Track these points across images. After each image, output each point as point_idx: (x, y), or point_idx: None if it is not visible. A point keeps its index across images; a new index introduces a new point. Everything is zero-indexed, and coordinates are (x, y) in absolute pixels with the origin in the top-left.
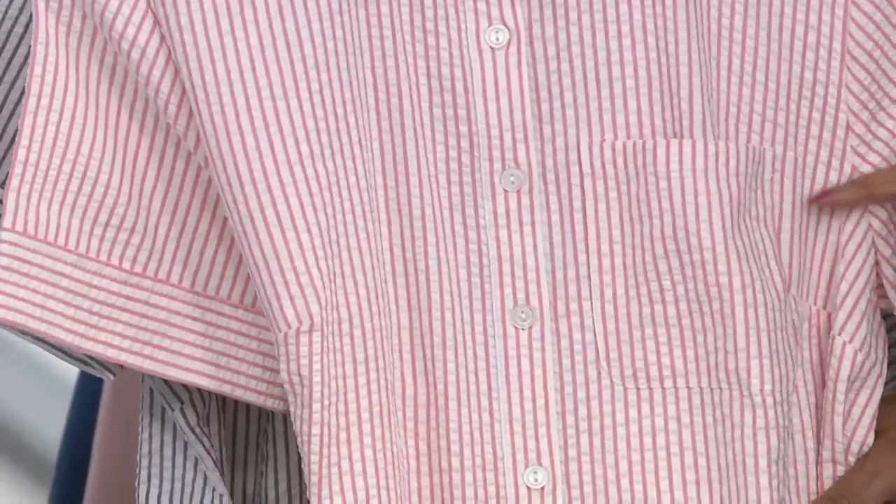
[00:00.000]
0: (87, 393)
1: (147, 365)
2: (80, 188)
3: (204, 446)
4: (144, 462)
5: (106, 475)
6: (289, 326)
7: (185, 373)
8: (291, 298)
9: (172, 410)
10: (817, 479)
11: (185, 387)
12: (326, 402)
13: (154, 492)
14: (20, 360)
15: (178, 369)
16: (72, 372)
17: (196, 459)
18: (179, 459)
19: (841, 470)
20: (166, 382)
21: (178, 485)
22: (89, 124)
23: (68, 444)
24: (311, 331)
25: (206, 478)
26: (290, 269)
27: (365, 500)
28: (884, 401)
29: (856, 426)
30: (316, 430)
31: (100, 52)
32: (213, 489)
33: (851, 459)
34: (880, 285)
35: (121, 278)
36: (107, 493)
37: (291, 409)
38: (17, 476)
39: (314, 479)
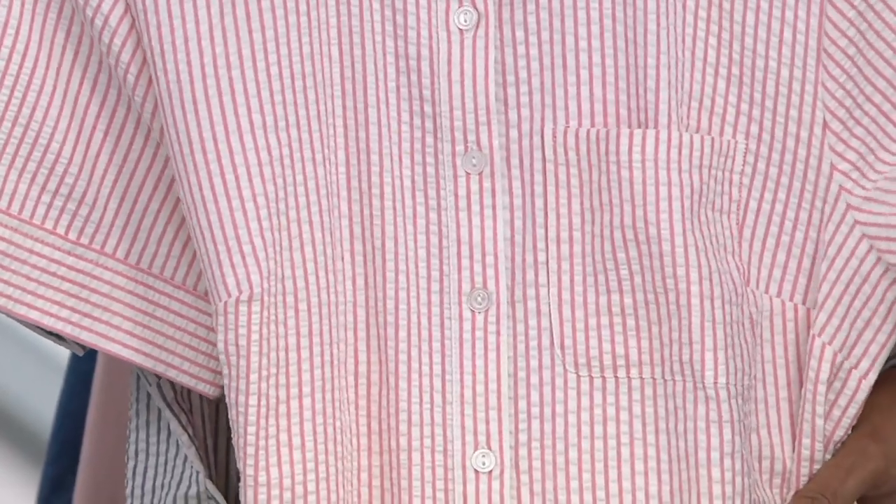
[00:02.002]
0: (80, 372)
1: (85, 336)
2: (30, 154)
3: (180, 422)
4: (132, 437)
5: (98, 454)
6: (228, 295)
7: (121, 348)
8: (233, 267)
9: (150, 385)
10: (795, 476)
11: None
12: (265, 374)
13: (140, 467)
14: (12, 338)
15: (116, 344)
16: (64, 351)
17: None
18: (164, 435)
19: (818, 469)
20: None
21: (161, 459)
22: (46, 91)
23: (61, 423)
24: (250, 300)
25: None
26: (234, 237)
27: (302, 474)
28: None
29: (834, 427)
30: (253, 400)
31: (67, 21)
32: (192, 465)
33: (829, 458)
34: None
35: (65, 247)
36: (99, 472)
37: (226, 381)
38: (9, 455)
39: (250, 450)
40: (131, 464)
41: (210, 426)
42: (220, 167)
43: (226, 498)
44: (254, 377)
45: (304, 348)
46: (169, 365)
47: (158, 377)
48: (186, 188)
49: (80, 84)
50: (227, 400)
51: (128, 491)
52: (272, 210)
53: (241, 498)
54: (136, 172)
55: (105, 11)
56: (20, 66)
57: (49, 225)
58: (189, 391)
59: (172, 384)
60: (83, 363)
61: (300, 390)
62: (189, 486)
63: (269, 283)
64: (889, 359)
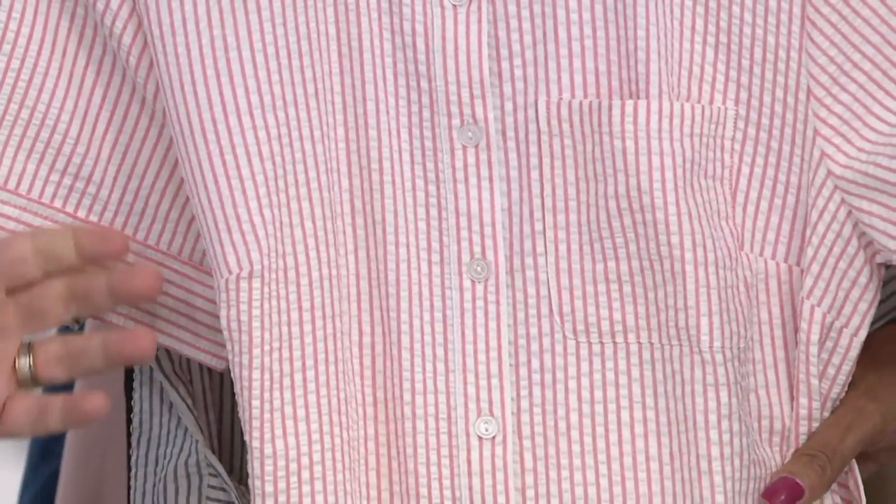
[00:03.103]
0: None
1: (110, 317)
2: (37, 135)
3: (178, 393)
4: (136, 408)
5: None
6: (230, 272)
7: (127, 319)
8: (233, 245)
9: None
10: (794, 435)
11: None
12: (268, 348)
13: (144, 437)
14: None
15: (123, 316)
16: None
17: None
18: (166, 406)
19: (817, 427)
20: None
21: (164, 430)
22: (52, 74)
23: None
24: (250, 277)
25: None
26: (234, 216)
27: (307, 445)
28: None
29: (831, 385)
30: (257, 374)
31: (71, 5)
32: (191, 435)
33: (827, 415)
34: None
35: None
36: (87, 439)
37: (229, 356)
38: None
39: (255, 423)
40: (135, 434)
41: (211, 396)
42: (220, 147)
43: (232, 467)
44: (256, 352)
45: (306, 322)
46: (174, 337)
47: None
48: (188, 168)
49: (86, 67)
50: (231, 374)
51: (133, 460)
52: (272, 188)
53: (249, 469)
54: (142, 152)
55: None
56: (26, 50)
57: (58, 204)
58: (188, 362)
59: (170, 355)
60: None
61: (303, 363)
62: (189, 455)
63: (270, 259)
64: (880, 316)
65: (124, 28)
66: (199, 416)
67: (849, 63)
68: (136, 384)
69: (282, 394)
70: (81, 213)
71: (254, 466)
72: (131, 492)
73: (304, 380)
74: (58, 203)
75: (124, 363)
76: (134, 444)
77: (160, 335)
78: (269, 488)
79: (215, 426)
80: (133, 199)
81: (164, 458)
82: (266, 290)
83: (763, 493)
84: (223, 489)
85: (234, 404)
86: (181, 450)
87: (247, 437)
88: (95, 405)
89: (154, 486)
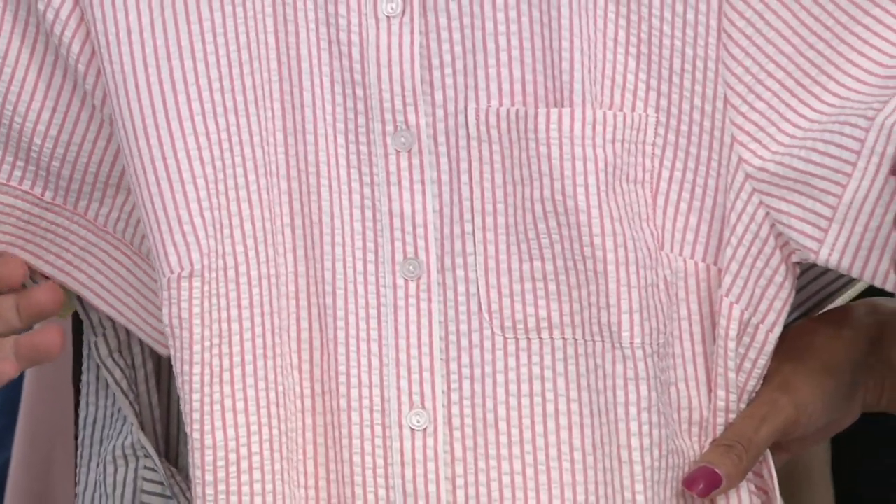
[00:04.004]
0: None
1: (68, 282)
2: (8, 133)
3: (114, 376)
4: (84, 390)
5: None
6: (171, 272)
7: (94, 296)
8: (175, 245)
9: (96, 336)
10: (712, 425)
11: (108, 318)
12: (208, 344)
13: (90, 418)
14: None
15: (90, 292)
16: None
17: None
18: (109, 389)
19: (734, 418)
20: (89, 315)
21: (108, 412)
22: (16, 79)
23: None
24: (191, 276)
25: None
26: (175, 217)
27: (246, 436)
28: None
29: (747, 378)
30: (197, 369)
31: (22, 23)
32: (126, 417)
33: (743, 407)
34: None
35: (42, 205)
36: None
37: (171, 351)
38: None
39: (196, 415)
40: (82, 414)
41: (154, 382)
42: (162, 152)
43: (178, 452)
44: (197, 347)
45: (245, 319)
46: (129, 320)
47: (104, 330)
48: (132, 172)
49: (37, 76)
50: (173, 369)
51: (79, 440)
52: (212, 191)
53: (189, 459)
54: (108, 148)
55: (56, 6)
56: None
57: (26, 186)
58: (130, 348)
59: (107, 341)
60: None
61: (242, 358)
62: (126, 437)
63: (210, 259)
64: (795, 312)
65: (73, 37)
66: (142, 401)
67: (763, 73)
68: (84, 367)
69: (221, 387)
70: (48, 196)
71: (194, 457)
72: (78, 470)
73: (243, 374)
74: (26, 185)
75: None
76: (81, 425)
77: (118, 315)
78: (208, 477)
79: (158, 410)
80: (91, 190)
81: (107, 440)
82: (206, 288)
83: (683, 482)
84: (157, 470)
85: (176, 389)
86: (120, 432)
87: (187, 429)
88: (49, 340)
89: (97, 465)
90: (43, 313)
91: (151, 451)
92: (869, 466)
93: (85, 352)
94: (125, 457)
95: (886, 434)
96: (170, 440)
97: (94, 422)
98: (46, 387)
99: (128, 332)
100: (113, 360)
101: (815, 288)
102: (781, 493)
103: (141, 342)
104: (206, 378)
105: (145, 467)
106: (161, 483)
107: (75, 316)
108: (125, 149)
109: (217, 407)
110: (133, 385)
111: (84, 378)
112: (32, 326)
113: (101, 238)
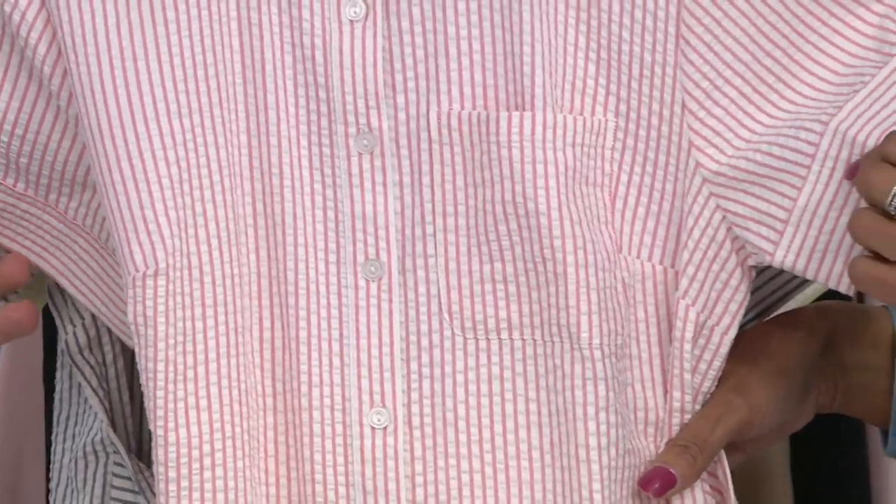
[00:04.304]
0: None
1: (46, 267)
2: None
3: (84, 374)
4: (58, 387)
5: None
6: (136, 270)
7: (68, 284)
8: (140, 244)
9: (66, 334)
10: (667, 426)
11: (80, 313)
12: (172, 342)
13: (63, 415)
14: None
15: (65, 279)
16: None
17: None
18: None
19: (689, 419)
20: (60, 312)
21: (80, 408)
22: None
23: None
24: (156, 275)
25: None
26: (140, 217)
27: (209, 433)
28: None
29: (702, 380)
30: (161, 367)
31: None
32: (97, 414)
33: (698, 408)
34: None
35: (15, 195)
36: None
37: (136, 349)
38: None
39: (160, 412)
40: (56, 411)
41: (125, 378)
42: (127, 153)
43: (143, 446)
44: (161, 345)
45: (209, 317)
46: (99, 311)
47: (75, 326)
48: (97, 171)
49: (2, 77)
50: (138, 366)
51: (53, 436)
52: (176, 191)
53: (153, 456)
54: (75, 145)
55: (23, 7)
56: None
57: None
58: (101, 345)
59: (87, 334)
60: None
61: (206, 356)
62: (96, 433)
63: (175, 258)
64: (751, 312)
65: (39, 38)
66: (112, 397)
67: (721, 79)
68: (58, 364)
69: (185, 385)
70: (20, 188)
71: (158, 453)
72: (52, 466)
73: (207, 372)
74: None
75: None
76: (55, 421)
77: (88, 303)
78: (171, 474)
79: (129, 406)
80: (60, 185)
81: (79, 436)
82: (171, 287)
83: (638, 482)
84: (126, 466)
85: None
86: (90, 428)
87: (151, 426)
88: (22, 313)
89: (69, 461)
90: (10, 284)
91: (120, 447)
92: (828, 466)
93: (59, 349)
94: (95, 453)
95: (844, 434)
96: (142, 436)
97: (68, 418)
98: (17, 384)
99: (98, 328)
100: (83, 356)
101: (770, 289)
102: (742, 492)
103: (112, 339)
104: (171, 376)
105: (115, 463)
106: (130, 479)
107: (47, 314)
108: (91, 149)
109: (181, 404)
110: (103, 381)
111: (58, 375)
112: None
113: (72, 229)
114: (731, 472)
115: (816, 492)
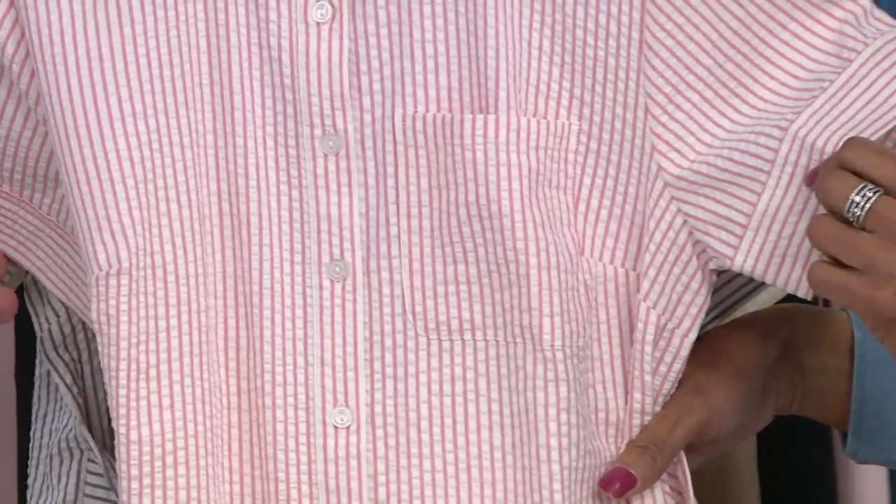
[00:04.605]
0: None
1: (23, 262)
2: None
3: (58, 371)
4: (37, 384)
5: None
6: (100, 269)
7: (45, 279)
8: (104, 244)
9: (42, 331)
10: (628, 427)
11: (55, 311)
12: (135, 341)
13: (41, 411)
14: None
15: (42, 274)
16: None
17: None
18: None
19: (649, 420)
20: (36, 310)
21: (58, 405)
22: None
23: None
24: (119, 274)
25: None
26: (104, 216)
27: (171, 432)
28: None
29: (662, 381)
30: (123, 365)
31: None
32: (70, 411)
33: (658, 409)
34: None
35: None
36: None
37: (99, 347)
38: None
39: (122, 411)
40: (35, 408)
41: (100, 376)
42: (93, 152)
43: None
44: (124, 344)
45: (172, 317)
46: (76, 306)
47: (49, 325)
48: (63, 171)
49: None
50: (101, 365)
51: (31, 433)
52: (141, 191)
53: (116, 454)
54: (45, 145)
55: None
56: None
57: None
58: (76, 343)
59: (62, 332)
60: None
61: (169, 355)
62: (71, 430)
63: (139, 257)
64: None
65: (7, 37)
66: (87, 395)
67: (683, 84)
68: (37, 361)
69: (147, 384)
70: (6, 188)
71: (120, 451)
72: (31, 462)
73: (170, 371)
74: None
75: None
76: (33, 418)
77: (63, 296)
78: (134, 472)
79: (105, 404)
80: (33, 181)
81: (55, 432)
82: (134, 286)
83: (599, 482)
84: (98, 463)
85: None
86: (66, 425)
87: (114, 424)
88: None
89: (45, 457)
90: None
91: (93, 444)
92: (794, 465)
93: (38, 345)
94: (70, 449)
95: (811, 434)
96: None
97: (45, 415)
98: None
99: (73, 326)
100: (57, 353)
101: (729, 290)
102: (710, 492)
103: (87, 336)
104: (133, 374)
105: (89, 460)
106: (104, 475)
107: (20, 315)
108: (57, 148)
109: (143, 403)
110: (78, 379)
111: (37, 372)
112: None
113: (47, 224)
114: (699, 471)
115: (783, 491)
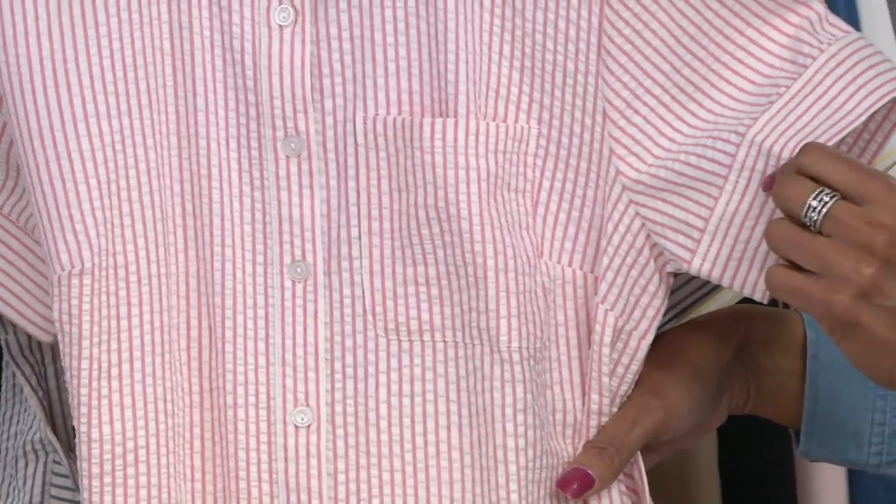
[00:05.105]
0: None
1: None
2: None
3: (23, 373)
4: (3, 386)
5: None
6: (62, 269)
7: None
8: (66, 244)
9: (6, 333)
10: (585, 428)
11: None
12: (97, 340)
13: (7, 413)
14: None
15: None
16: None
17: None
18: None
19: (606, 421)
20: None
21: (22, 407)
22: None
23: None
24: (81, 274)
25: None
26: (67, 216)
27: (133, 430)
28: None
29: (619, 383)
30: (85, 364)
31: None
32: (34, 413)
33: (615, 410)
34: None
35: None
36: None
37: (61, 346)
38: None
39: (83, 409)
40: (1, 409)
41: (63, 380)
42: (56, 153)
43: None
44: (86, 343)
45: (134, 316)
46: (17, 311)
47: (14, 327)
48: (26, 171)
49: None
50: (62, 364)
51: None
52: (104, 191)
53: (77, 452)
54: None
55: None
56: None
57: None
58: (40, 346)
59: (18, 339)
60: None
61: (131, 354)
62: (36, 432)
63: (101, 257)
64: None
65: None
66: (52, 396)
67: (641, 88)
68: (3, 364)
69: (109, 382)
70: None
71: (81, 450)
72: None
73: (132, 370)
74: None
75: None
76: (1, 400)
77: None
78: (95, 470)
79: (68, 406)
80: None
81: (20, 434)
82: (96, 286)
83: (557, 483)
84: (63, 464)
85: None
86: (31, 427)
87: (75, 423)
88: None
89: (11, 458)
90: None
91: (57, 446)
92: (753, 462)
93: (3, 349)
94: (35, 451)
95: (769, 432)
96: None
97: (11, 417)
98: None
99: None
100: (23, 356)
101: (686, 291)
102: (671, 489)
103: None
104: (95, 373)
105: (54, 461)
106: (69, 477)
107: None
108: (20, 148)
109: (105, 401)
110: (43, 381)
111: (4, 374)
112: None
113: (14, 230)
114: (660, 470)
115: (743, 489)
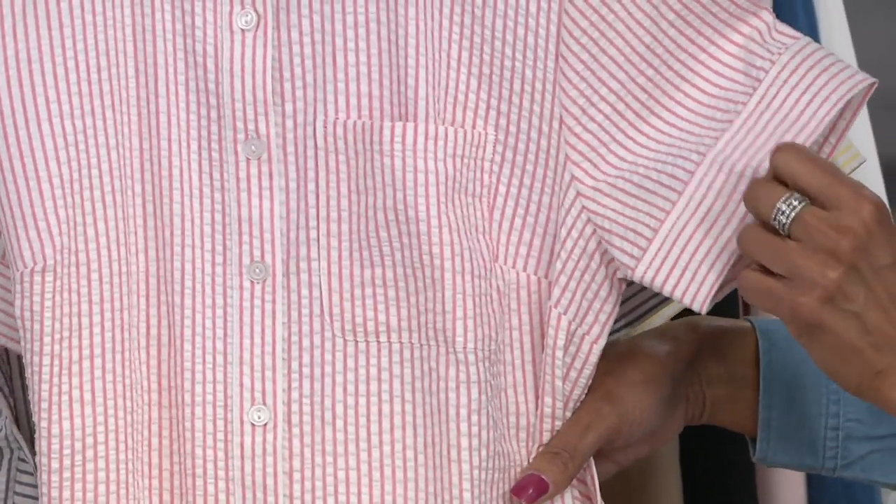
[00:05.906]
0: None
1: None
2: None
3: None
4: None
5: None
6: (25, 266)
7: None
8: (29, 241)
9: None
10: (538, 431)
11: None
12: (58, 337)
13: None
14: None
15: None
16: None
17: None
18: None
19: (559, 425)
20: None
21: None
22: None
23: None
24: (44, 271)
25: None
26: (30, 214)
27: (92, 426)
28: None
29: (572, 387)
30: (46, 360)
31: None
32: (1, 410)
33: (568, 415)
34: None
35: None
36: None
37: (22, 343)
38: None
39: (44, 405)
40: None
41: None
42: (20, 151)
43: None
44: (47, 339)
45: (95, 314)
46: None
47: None
48: None
49: None
50: (24, 360)
51: None
52: (67, 190)
53: (37, 447)
54: None
55: None
56: None
57: None
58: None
59: None
60: None
61: (91, 351)
62: (1, 430)
63: (63, 255)
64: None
65: None
66: (17, 395)
67: (596, 96)
68: None
69: (70, 379)
70: None
71: (41, 445)
72: None
73: (92, 367)
74: None
75: None
76: None
77: None
78: (54, 465)
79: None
80: None
81: None
82: (58, 283)
83: (512, 490)
84: (28, 461)
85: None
86: None
87: (35, 418)
88: None
89: None
90: None
91: (23, 443)
92: (713, 459)
93: None
94: (0, 449)
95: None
96: None
97: None
98: None
99: None
100: None
101: (639, 300)
102: (632, 486)
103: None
104: (56, 369)
105: (20, 458)
106: (31, 473)
107: None
108: None
109: (65, 398)
110: (8, 379)
111: None
112: None
113: None
114: (623, 472)
115: (702, 484)
